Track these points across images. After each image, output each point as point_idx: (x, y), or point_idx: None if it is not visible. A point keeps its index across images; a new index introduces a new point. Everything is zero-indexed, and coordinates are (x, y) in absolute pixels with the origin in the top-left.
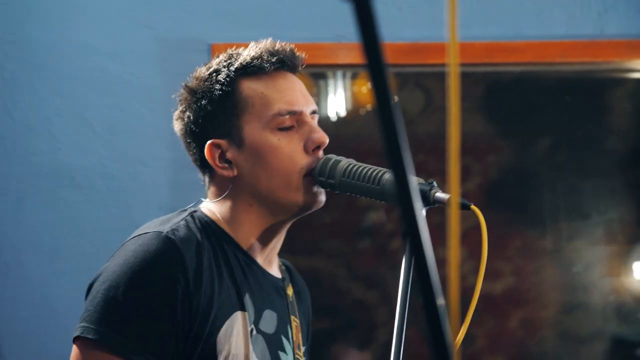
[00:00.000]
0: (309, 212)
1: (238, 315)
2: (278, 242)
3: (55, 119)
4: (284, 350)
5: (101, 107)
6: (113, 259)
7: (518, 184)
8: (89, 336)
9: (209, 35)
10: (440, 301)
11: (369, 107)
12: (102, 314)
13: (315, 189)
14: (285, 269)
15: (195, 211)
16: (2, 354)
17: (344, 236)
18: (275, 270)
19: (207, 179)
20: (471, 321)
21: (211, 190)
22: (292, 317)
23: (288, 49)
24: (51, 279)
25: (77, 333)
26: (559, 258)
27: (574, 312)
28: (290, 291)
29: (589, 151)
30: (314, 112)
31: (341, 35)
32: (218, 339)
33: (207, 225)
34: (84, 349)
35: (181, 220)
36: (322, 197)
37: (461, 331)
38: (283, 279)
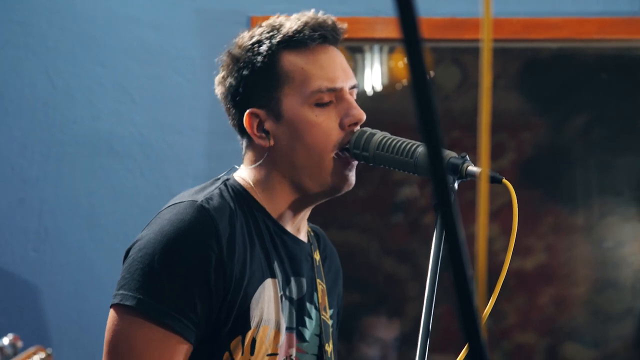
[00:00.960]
0: (340, 194)
1: (269, 282)
2: (308, 211)
3: (96, 87)
4: (309, 316)
5: (141, 77)
6: (149, 227)
7: (552, 161)
8: (127, 303)
9: (248, 8)
10: (470, 273)
11: (405, 81)
12: (139, 281)
13: (347, 171)
14: (314, 235)
15: (228, 179)
16: (42, 317)
17: (377, 211)
18: (304, 236)
19: (244, 144)
20: (502, 297)
21: (247, 156)
22: (319, 281)
23: (330, 22)
24: (89, 245)
25: (115, 300)
26: (591, 235)
27: (605, 289)
28: (317, 256)
29: (623, 128)
30: (353, 87)
31: (379, 10)
32: (251, 305)
33: (239, 194)
34: (122, 316)
35: (215, 189)
36: (352, 179)
37: (489, 304)
38: (310, 244)
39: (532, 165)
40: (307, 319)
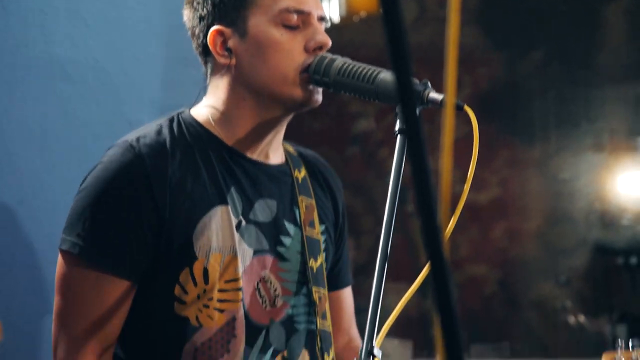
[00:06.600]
0: (304, 109)
1: (218, 210)
2: (275, 136)
3: (49, 10)
4: (286, 234)
5: (95, 1)
6: (92, 170)
7: (509, 95)
8: (65, 248)
9: None
10: (434, 193)
11: (362, 14)
12: (76, 226)
13: (312, 87)
14: (298, 154)
15: (180, 113)
16: None
17: (333, 143)
18: (276, 159)
19: (208, 70)
20: (455, 229)
21: (210, 83)
22: (301, 197)
23: None
24: (41, 171)
25: (59, 245)
26: (547, 167)
27: (559, 222)
28: (299, 174)
29: (581, 61)
30: (322, 19)
31: None
32: (194, 235)
33: (190, 126)
34: (63, 259)
35: (155, 125)
36: (319, 97)
37: (448, 227)
38: (287, 163)
39: (488, 100)
40: (284, 238)
